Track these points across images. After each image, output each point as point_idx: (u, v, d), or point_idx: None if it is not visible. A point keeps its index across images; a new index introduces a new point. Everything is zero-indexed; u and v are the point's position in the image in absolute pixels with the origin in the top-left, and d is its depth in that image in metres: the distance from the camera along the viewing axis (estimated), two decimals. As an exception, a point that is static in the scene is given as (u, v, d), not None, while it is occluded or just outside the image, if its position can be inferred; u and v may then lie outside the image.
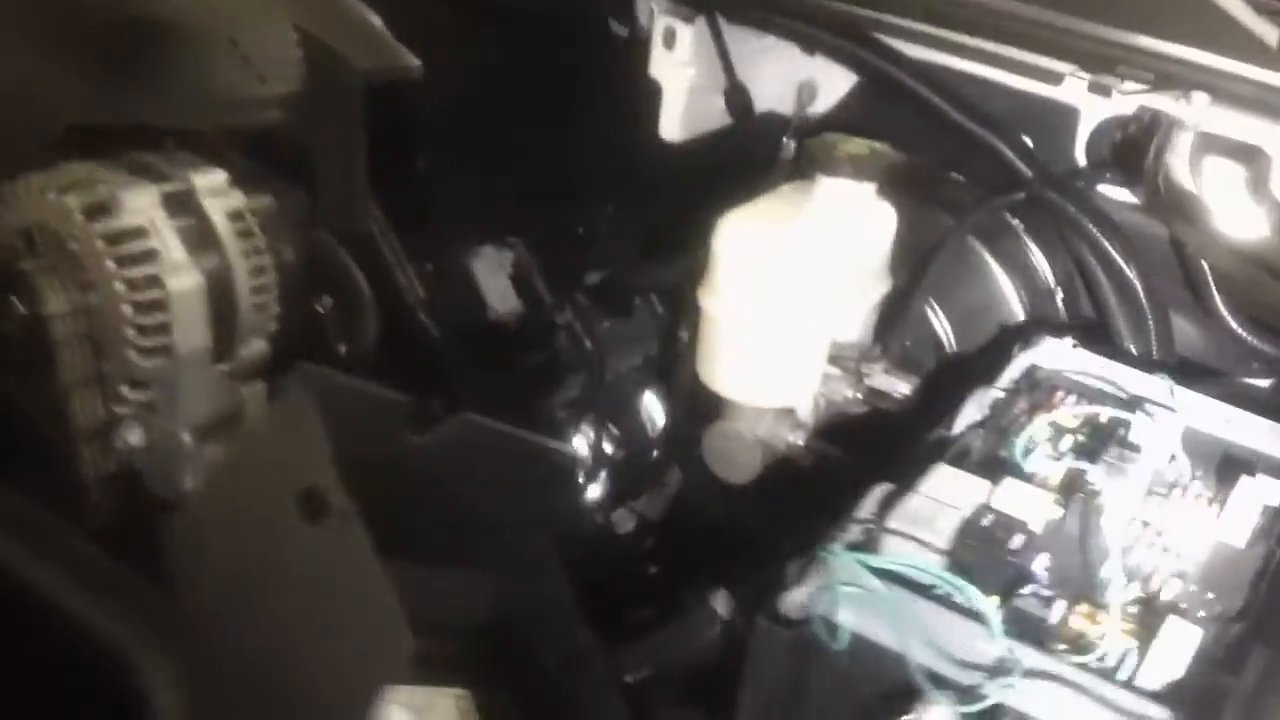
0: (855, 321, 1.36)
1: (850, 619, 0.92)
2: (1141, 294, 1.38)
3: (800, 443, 1.32)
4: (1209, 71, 1.22)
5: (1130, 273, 1.37)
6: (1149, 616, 0.96)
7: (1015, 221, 1.45)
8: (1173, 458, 1.14)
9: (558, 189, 1.65)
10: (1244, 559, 1.06)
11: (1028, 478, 1.09)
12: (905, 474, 1.08)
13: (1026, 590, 0.98)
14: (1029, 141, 1.43)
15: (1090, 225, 1.37)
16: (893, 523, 1.00)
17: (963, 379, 1.27)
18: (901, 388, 1.37)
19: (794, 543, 0.98)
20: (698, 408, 1.38)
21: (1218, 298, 1.36)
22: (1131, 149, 1.38)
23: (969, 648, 0.91)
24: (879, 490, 1.07)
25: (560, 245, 1.67)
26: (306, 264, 1.34)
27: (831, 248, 1.29)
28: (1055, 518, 1.03)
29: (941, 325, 1.46)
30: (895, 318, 1.38)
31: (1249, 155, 1.27)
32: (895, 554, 0.98)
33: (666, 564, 1.51)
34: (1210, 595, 1.01)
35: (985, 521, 1.00)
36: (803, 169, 1.39)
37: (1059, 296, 1.46)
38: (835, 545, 0.97)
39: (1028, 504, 1.04)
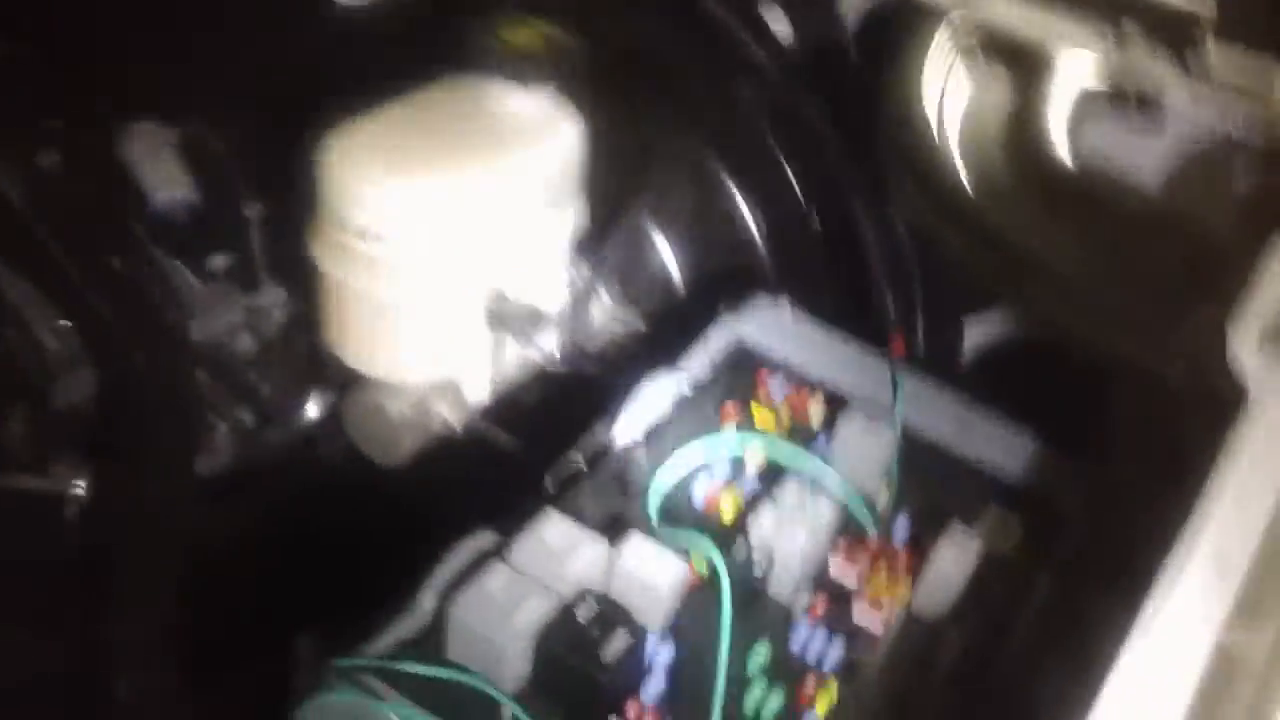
0: (535, 270, 1.08)
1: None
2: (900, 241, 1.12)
3: (460, 423, 1.06)
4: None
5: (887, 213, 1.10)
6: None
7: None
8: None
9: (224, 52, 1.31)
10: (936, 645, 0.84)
11: (670, 524, 0.85)
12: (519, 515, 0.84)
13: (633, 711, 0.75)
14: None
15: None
16: (470, 603, 0.76)
17: (661, 345, 1.02)
18: (602, 344, 1.11)
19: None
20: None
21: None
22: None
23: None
24: (475, 542, 0.82)
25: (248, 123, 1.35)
26: None
27: (490, 176, 1.00)
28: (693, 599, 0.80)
29: (669, 261, 1.19)
30: (593, 261, 1.10)
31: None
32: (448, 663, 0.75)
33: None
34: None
35: (582, 615, 0.76)
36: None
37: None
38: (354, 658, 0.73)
39: (657, 576, 0.80)
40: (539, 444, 0.99)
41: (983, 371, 1.12)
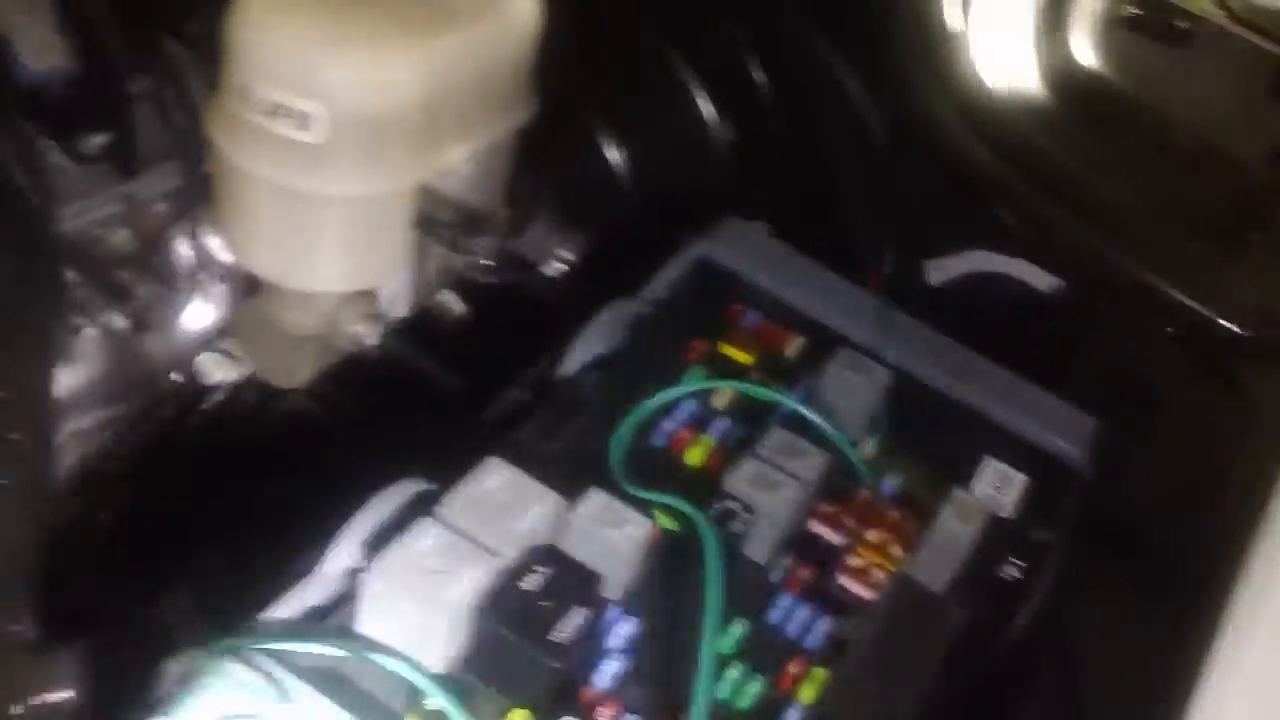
0: (474, 169, 0.93)
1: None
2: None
3: (374, 341, 0.91)
4: None
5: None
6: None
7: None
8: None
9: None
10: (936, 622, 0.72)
11: (632, 475, 0.72)
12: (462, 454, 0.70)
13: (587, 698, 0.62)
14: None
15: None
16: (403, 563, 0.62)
17: (618, 269, 0.88)
18: (548, 264, 0.97)
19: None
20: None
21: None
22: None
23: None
24: (399, 491, 0.68)
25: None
26: None
27: (433, 52, 0.84)
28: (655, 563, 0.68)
29: (625, 174, 1.05)
30: (539, 166, 0.96)
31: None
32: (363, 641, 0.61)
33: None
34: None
35: (530, 584, 0.63)
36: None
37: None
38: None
39: (619, 538, 0.67)
40: (474, 376, 0.85)
41: (975, 313, 1.01)
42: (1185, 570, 0.96)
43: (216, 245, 0.89)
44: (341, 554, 0.65)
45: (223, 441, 0.91)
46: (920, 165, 0.96)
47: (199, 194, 0.89)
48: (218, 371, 0.94)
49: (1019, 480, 0.80)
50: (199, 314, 0.98)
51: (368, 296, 0.90)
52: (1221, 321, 0.74)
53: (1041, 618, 0.74)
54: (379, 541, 0.64)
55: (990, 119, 0.88)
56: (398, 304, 0.92)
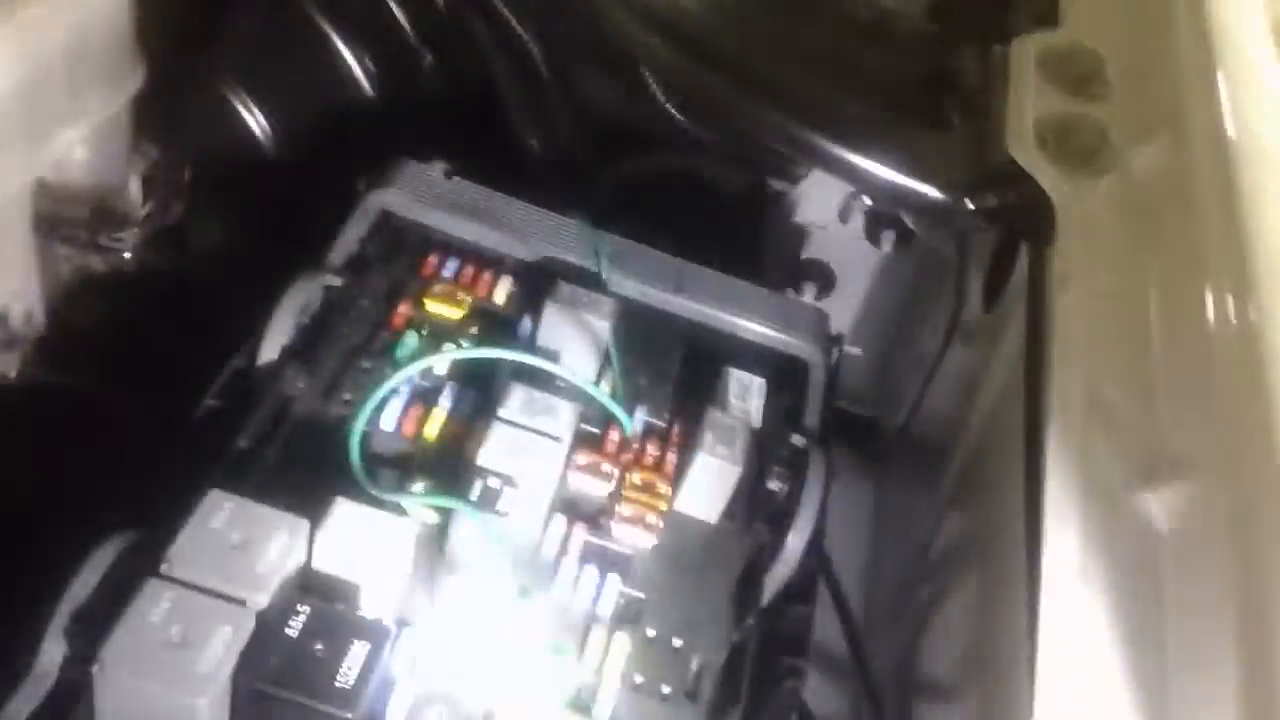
0: (92, 154, 0.79)
1: None
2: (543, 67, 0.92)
3: (13, 372, 0.78)
4: None
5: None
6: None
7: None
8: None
9: None
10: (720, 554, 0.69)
11: (376, 478, 0.64)
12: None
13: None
14: None
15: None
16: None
17: (287, 240, 0.78)
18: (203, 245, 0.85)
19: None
20: None
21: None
22: None
23: None
24: (107, 554, 0.57)
25: None
26: None
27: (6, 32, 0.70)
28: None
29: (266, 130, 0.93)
30: (166, 138, 0.83)
31: None
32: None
33: None
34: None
35: (294, 628, 0.54)
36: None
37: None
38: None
39: (380, 551, 0.59)
40: (149, 390, 0.73)
41: (664, 216, 0.96)
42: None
43: None
44: (53, 645, 0.54)
45: None
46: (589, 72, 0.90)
47: None
48: None
49: (761, 386, 0.77)
50: None
51: (-6, 322, 0.76)
52: (930, 191, 0.73)
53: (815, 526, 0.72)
54: (97, 620, 0.53)
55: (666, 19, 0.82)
56: (32, 323, 0.78)
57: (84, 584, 0.55)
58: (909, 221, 0.95)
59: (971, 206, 0.72)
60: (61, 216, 0.74)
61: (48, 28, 0.70)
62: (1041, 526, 0.58)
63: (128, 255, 0.77)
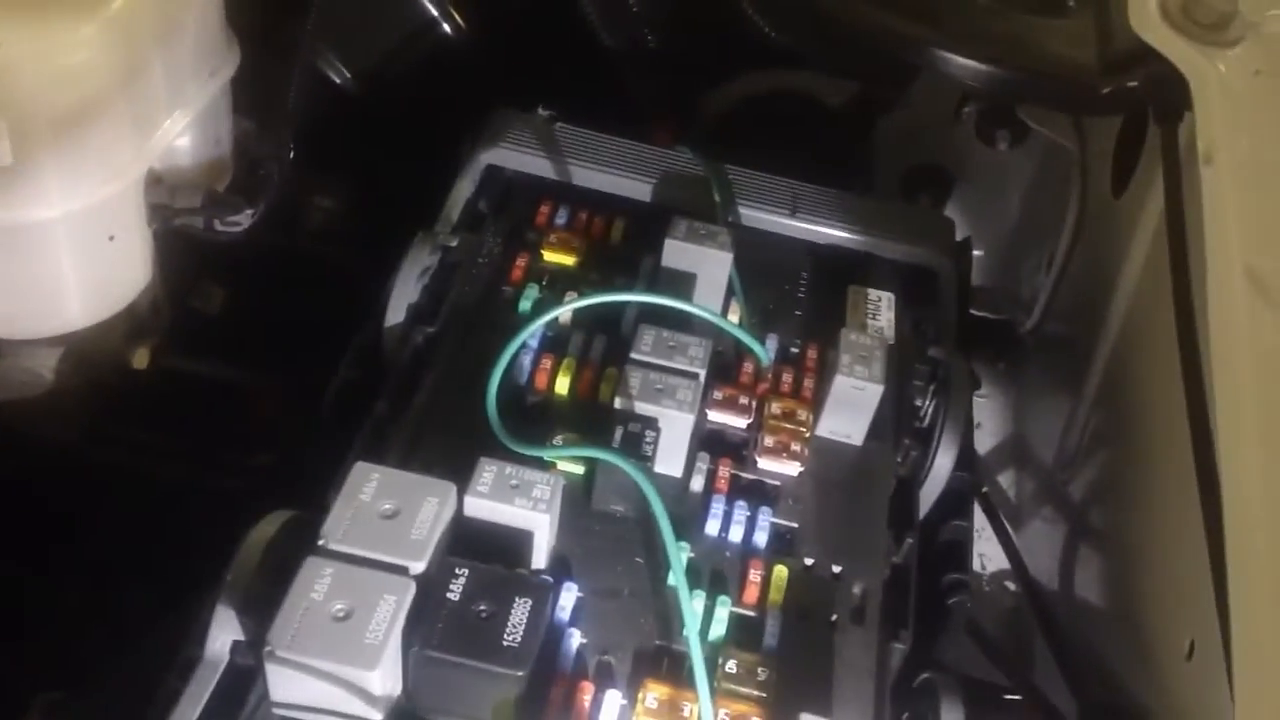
0: (197, 139, 0.79)
1: None
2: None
3: (144, 363, 0.78)
4: None
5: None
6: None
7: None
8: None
9: None
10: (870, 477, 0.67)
11: (515, 434, 0.63)
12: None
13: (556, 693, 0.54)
14: None
15: None
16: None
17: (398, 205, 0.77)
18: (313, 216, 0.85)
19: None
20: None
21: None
22: None
23: None
24: (263, 534, 0.58)
25: None
26: None
27: (106, 23, 0.70)
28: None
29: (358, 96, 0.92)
30: (265, 116, 0.82)
31: None
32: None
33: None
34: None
35: (456, 591, 0.54)
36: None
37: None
38: None
39: (528, 508, 0.58)
40: (279, 369, 0.73)
41: (765, 136, 0.94)
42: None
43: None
44: (220, 631, 0.55)
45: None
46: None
47: None
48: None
49: (891, 300, 0.74)
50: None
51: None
52: (1059, 81, 0.69)
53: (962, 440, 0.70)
54: (261, 603, 0.53)
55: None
56: (160, 314, 0.79)
57: (243, 568, 0.56)
58: (1023, 116, 0.92)
59: (1104, 90, 0.69)
60: (175, 207, 0.74)
61: (141, 17, 0.70)
62: (1210, 420, 0.55)
63: (244, 238, 0.77)
